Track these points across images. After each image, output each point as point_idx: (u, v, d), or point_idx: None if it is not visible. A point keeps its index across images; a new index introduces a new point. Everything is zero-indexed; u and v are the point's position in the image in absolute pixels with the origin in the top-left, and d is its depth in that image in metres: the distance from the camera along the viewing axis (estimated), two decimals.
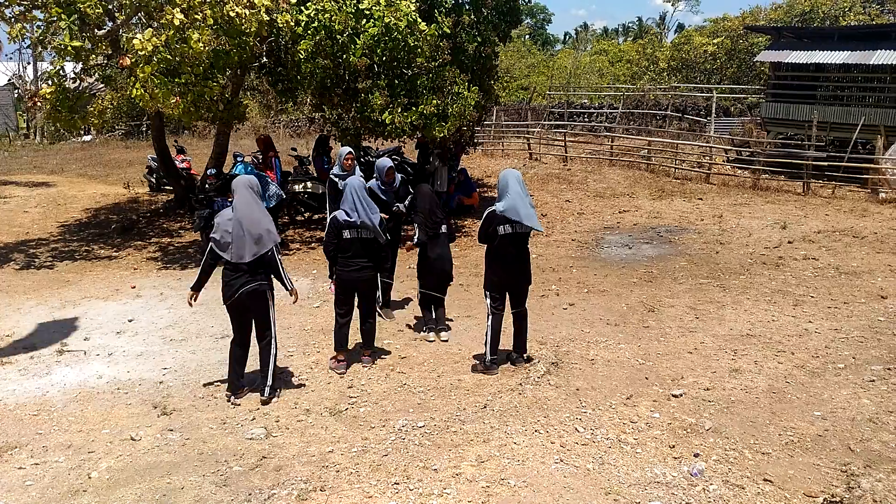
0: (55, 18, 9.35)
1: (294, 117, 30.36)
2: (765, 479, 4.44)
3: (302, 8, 10.69)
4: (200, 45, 9.25)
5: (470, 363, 6.39)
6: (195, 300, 5.87)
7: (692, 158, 19.38)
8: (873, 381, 5.92)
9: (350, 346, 6.58)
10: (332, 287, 8.32)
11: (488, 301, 6.16)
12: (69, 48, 9.42)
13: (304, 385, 6.03)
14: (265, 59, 11.32)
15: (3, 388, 6.05)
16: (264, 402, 5.63)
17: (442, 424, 5.23)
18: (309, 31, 10.48)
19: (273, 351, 5.70)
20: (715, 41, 32.84)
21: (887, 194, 14.57)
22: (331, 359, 6.41)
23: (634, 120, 28.42)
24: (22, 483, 4.55)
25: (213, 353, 6.81)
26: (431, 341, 7.06)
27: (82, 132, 28.62)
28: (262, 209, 5.71)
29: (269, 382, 5.67)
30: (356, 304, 6.44)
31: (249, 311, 5.63)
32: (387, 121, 10.51)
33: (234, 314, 5.67)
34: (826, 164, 15.71)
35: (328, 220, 6.36)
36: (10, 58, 25.94)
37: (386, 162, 7.83)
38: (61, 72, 10.63)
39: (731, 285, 8.87)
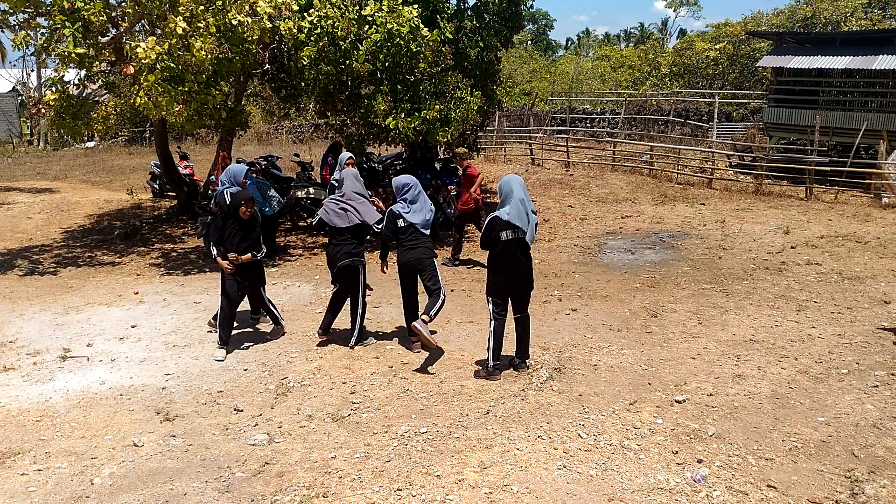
0: (59, 26, 9.39)
1: (297, 123, 30.46)
2: (768, 485, 4.43)
3: (304, 15, 10.73)
4: (203, 52, 9.28)
5: (472, 369, 6.38)
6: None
7: (694, 164, 19.41)
8: (877, 386, 5.90)
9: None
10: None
11: (491, 306, 6.15)
12: (73, 55, 9.46)
13: (307, 390, 6.03)
14: (268, 66, 11.36)
15: (6, 393, 6.06)
16: (351, 347, 6.96)
17: (445, 430, 5.22)
18: (312, 38, 10.52)
19: (360, 311, 6.99)
20: (717, 46, 32.91)
21: (890, 199, 14.56)
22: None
23: (636, 125, 28.47)
24: (25, 489, 4.55)
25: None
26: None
27: (86, 138, 28.76)
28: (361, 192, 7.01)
29: (355, 335, 6.97)
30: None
31: (344, 278, 6.91)
32: (390, 126, 10.53)
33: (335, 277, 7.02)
34: (829, 169, 15.72)
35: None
36: (15, 65, 26.17)
37: (346, 154, 8.52)
38: (65, 78, 10.67)
39: (734, 290, 8.85)
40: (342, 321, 7.13)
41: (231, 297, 6.85)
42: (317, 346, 7.06)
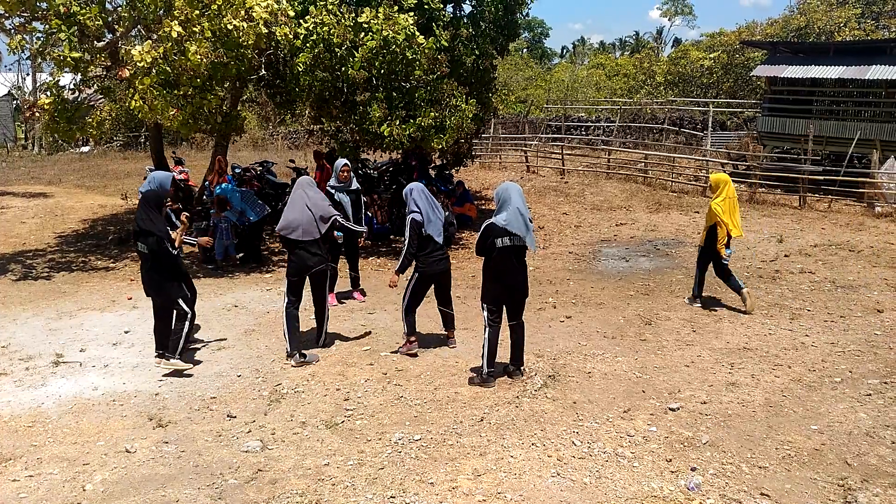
0: (55, 30, 9.39)
1: (292, 129, 30.47)
2: (762, 494, 4.43)
3: (300, 21, 10.75)
4: (198, 57, 9.29)
5: (467, 376, 6.38)
6: None
7: (689, 172, 19.48)
8: (870, 394, 5.92)
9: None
10: (330, 299, 8.34)
11: (485, 313, 6.16)
12: (68, 59, 9.45)
13: (301, 397, 6.01)
14: (264, 72, 11.36)
15: None
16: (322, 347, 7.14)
17: (438, 437, 5.22)
18: (307, 44, 10.53)
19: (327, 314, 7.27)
20: (711, 56, 33.04)
21: (883, 208, 14.64)
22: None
23: (631, 133, 28.57)
24: (16, 495, 4.52)
25: (209, 364, 6.79)
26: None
27: (80, 143, 28.68)
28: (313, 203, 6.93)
29: (323, 336, 7.22)
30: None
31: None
32: (385, 133, 10.55)
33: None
34: (822, 178, 15.79)
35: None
36: (10, 69, 26.08)
37: (342, 161, 8.40)
38: (60, 83, 10.66)
39: (728, 299, 8.87)
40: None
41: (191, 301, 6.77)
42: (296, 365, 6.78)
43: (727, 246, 8.34)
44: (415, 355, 6.90)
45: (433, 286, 6.98)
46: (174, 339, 6.54)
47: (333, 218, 7.00)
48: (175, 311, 6.58)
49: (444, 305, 7.11)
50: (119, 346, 7.35)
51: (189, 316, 6.58)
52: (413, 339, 7.00)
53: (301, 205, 6.84)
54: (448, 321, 7.19)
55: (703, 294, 8.75)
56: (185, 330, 6.56)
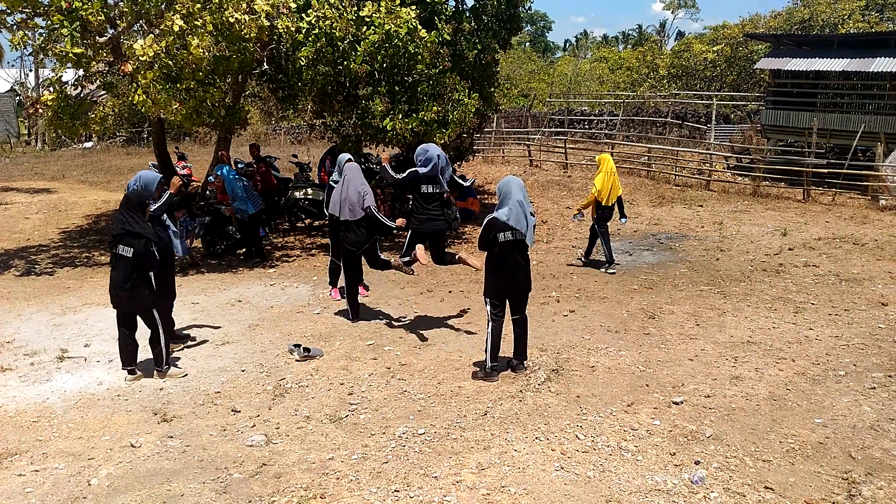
0: (57, 26, 9.38)
1: (295, 124, 30.45)
2: (766, 487, 4.43)
3: (303, 15, 10.73)
4: (200, 50, 9.28)
5: (470, 370, 6.38)
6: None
7: (692, 165, 19.45)
8: (874, 388, 5.91)
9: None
10: (334, 294, 8.38)
11: (488, 308, 6.16)
12: (71, 55, 9.44)
13: (305, 391, 6.02)
14: (266, 66, 11.35)
15: (3, 394, 6.05)
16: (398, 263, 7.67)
17: (442, 431, 5.22)
18: (310, 38, 10.51)
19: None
20: (715, 48, 32.97)
21: (887, 201, 14.60)
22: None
23: (634, 127, 28.50)
24: (22, 490, 4.54)
25: (213, 359, 6.81)
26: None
27: (83, 138, 28.72)
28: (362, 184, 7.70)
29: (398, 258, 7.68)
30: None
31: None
32: (387, 127, 10.53)
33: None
34: (826, 171, 15.76)
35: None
36: (12, 65, 26.10)
37: (345, 155, 8.56)
38: (63, 79, 10.66)
39: (732, 292, 8.86)
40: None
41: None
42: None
43: (610, 217, 9.98)
44: (415, 264, 7.44)
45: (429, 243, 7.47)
46: (157, 350, 6.30)
47: (369, 206, 7.59)
48: (146, 322, 6.24)
49: (439, 263, 7.58)
50: None
51: (160, 325, 6.27)
52: (415, 252, 7.36)
53: (348, 188, 7.63)
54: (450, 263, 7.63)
55: (591, 258, 10.37)
56: (163, 339, 6.31)
